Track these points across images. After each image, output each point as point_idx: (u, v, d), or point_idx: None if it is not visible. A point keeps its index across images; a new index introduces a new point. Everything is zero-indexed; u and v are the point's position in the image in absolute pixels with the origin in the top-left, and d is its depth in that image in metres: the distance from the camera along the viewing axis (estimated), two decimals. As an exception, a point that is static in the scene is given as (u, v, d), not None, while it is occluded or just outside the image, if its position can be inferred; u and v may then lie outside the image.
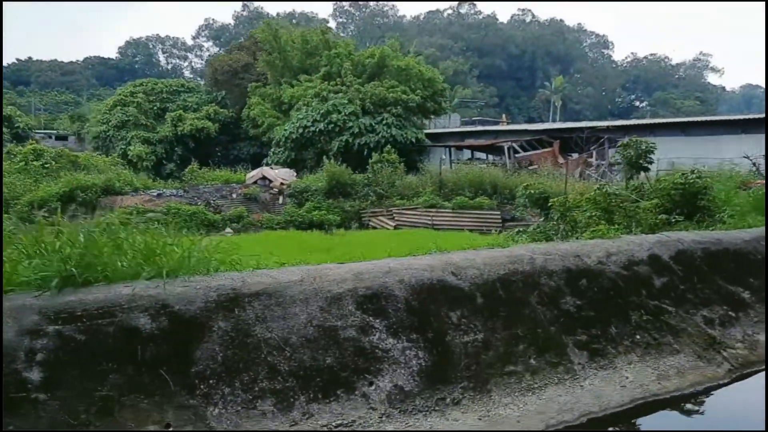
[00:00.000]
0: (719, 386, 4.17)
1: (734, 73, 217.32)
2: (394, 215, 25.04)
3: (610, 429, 3.53)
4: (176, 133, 41.00)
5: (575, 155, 30.09)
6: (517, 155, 28.84)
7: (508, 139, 31.42)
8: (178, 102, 44.43)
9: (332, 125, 31.76)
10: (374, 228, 24.92)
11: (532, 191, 14.03)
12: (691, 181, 12.91)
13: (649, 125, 30.60)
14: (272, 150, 34.47)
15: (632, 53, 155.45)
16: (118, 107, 42.72)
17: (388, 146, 27.65)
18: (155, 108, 43.81)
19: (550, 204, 13.16)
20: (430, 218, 23.86)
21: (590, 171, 26.73)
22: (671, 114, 76.22)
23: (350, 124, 31.64)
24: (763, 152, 18.87)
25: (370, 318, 3.37)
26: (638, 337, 4.33)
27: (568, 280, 4.41)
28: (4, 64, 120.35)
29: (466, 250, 4.64)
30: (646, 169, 14.65)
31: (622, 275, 4.75)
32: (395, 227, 24.32)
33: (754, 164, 19.36)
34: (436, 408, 3.20)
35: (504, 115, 78.16)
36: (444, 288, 3.76)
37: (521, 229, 11.55)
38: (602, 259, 4.80)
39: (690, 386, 4.05)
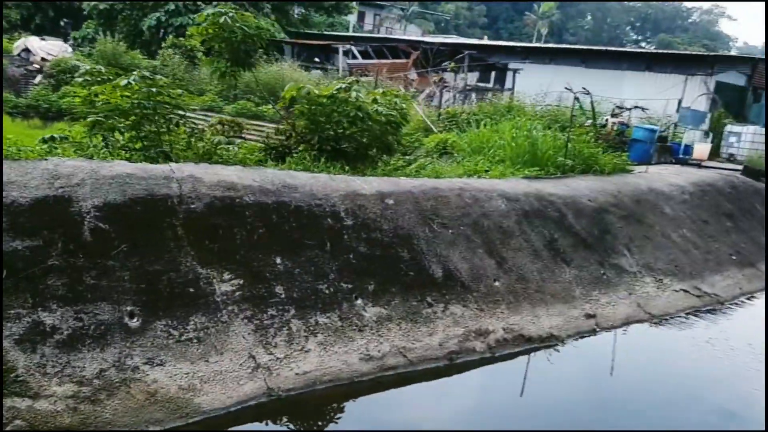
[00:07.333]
0: None
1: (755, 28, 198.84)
2: (170, 115, 19.61)
3: None
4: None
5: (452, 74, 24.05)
6: (351, 62, 22.74)
7: (361, 44, 25.12)
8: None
9: (146, -3, 24.94)
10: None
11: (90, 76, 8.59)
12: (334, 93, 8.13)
13: (549, 50, 24.41)
14: (85, 23, 27.99)
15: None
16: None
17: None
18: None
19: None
20: (206, 124, 18.57)
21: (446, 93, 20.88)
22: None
23: (167, -3, 24.79)
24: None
25: None
26: None
27: None
28: None
29: None
30: (251, 66, 9.18)
31: None
32: (168, 130, 19.03)
33: (576, 99, 13.84)
34: None
35: (485, 37, 70.73)
36: None
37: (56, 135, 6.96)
38: None
39: None
